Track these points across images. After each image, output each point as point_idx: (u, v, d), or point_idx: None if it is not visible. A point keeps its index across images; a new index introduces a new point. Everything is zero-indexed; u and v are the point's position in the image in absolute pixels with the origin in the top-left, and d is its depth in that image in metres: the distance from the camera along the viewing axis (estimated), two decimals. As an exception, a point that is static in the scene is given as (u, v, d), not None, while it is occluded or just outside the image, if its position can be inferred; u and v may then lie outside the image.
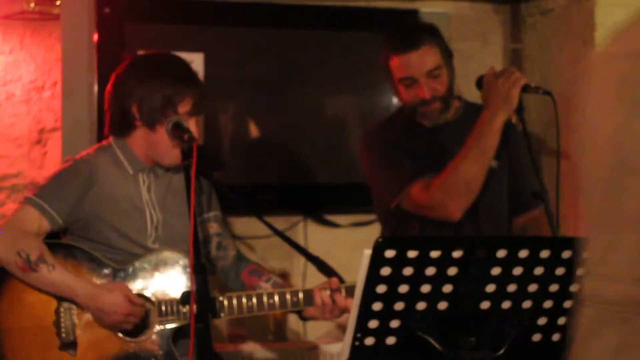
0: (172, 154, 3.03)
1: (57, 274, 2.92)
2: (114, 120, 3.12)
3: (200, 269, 2.57)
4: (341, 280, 3.05)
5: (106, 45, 4.11)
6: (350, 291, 2.94)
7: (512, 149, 3.42)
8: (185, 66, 3.13)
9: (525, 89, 3.10)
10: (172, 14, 4.30)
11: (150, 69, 3.09)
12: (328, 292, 3.00)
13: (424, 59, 3.26)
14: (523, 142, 3.23)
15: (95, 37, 4.12)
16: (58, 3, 4.20)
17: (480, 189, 3.18)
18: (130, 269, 3.01)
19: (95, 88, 4.10)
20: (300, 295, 3.00)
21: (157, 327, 2.96)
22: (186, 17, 4.32)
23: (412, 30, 3.35)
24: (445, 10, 3.99)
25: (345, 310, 2.98)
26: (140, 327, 3.00)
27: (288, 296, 2.99)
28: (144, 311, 2.97)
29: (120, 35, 4.14)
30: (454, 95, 3.42)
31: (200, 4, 4.36)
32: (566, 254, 2.28)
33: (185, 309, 2.93)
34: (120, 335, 2.98)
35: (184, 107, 3.02)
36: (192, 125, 3.02)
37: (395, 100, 4.53)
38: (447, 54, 3.35)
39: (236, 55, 4.42)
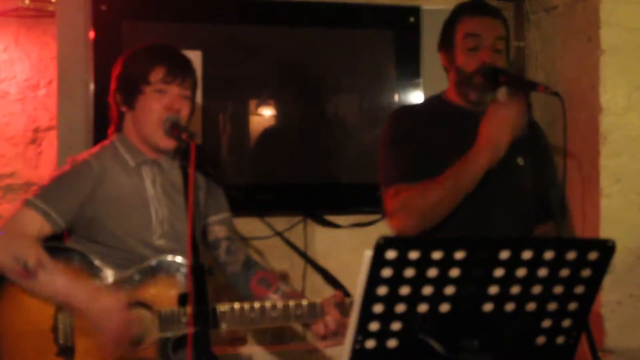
0: (158, 132, 3.04)
1: (56, 280, 2.89)
2: (112, 116, 3.18)
3: (199, 271, 2.56)
4: (346, 294, 3.04)
5: (102, 43, 4.09)
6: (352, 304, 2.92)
7: (541, 155, 3.42)
8: (158, 44, 3.18)
9: (533, 87, 3.08)
10: (169, 11, 4.28)
11: (125, 58, 3.15)
12: (334, 309, 2.99)
13: (496, 27, 3.34)
14: (549, 150, 3.19)
15: (92, 34, 4.09)
16: (53, 0, 4.18)
17: (445, 217, 3.18)
18: (131, 276, 2.99)
19: (91, 86, 4.08)
20: (304, 308, 2.99)
21: (158, 336, 2.93)
22: (184, 15, 4.30)
23: (491, 5, 3.46)
24: (447, 7, 3.96)
25: (344, 325, 2.96)
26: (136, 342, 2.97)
27: (291, 309, 2.98)
28: (140, 325, 2.93)
29: (116, 33, 4.12)
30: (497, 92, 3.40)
31: (198, 1, 4.34)
32: (571, 255, 2.24)
33: (185, 318, 2.90)
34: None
35: (155, 76, 3.05)
36: (175, 95, 3.04)
37: (396, 99, 4.52)
38: (508, 46, 3.41)
39: (235, 54, 4.39)
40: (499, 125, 3.10)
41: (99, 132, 3.88)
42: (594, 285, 2.30)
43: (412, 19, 4.49)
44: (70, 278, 2.92)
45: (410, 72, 4.53)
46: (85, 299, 2.88)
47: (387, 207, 3.27)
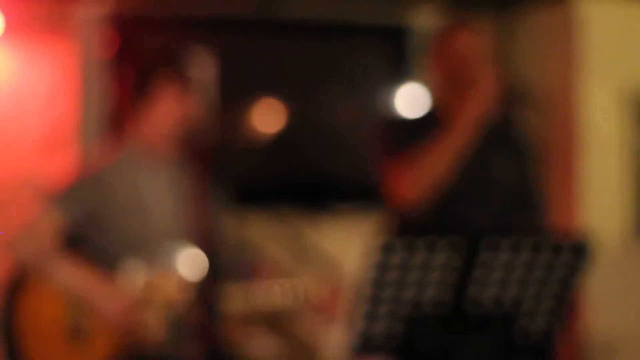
0: (170, 133, 3.13)
1: (70, 275, 3.00)
2: (128, 118, 3.26)
3: (208, 265, 2.72)
4: (341, 286, 3.08)
5: (122, 55, 4.17)
6: (349, 297, 2.95)
7: (525, 151, 3.47)
8: (172, 48, 3.26)
9: (517, 96, 3.25)
10: (184, 27, 4.38)
11: (143, 61, 3.26)
12: (326, 297, 3.07)
13: (472, 41, 3.38)
14: (531, 145, 3.25)
15: (112, 46, 4.18)
16: (74, 13, 4.24)
17: (444, 183, 3.19)
18: (140, 269, 3.07)
19: (111, 97, 4.16)
20: (301, 293, 3.07)
21: (166, 328, 3.02)
22: (198, 31, 4.38)
23: (465, 24, 3.53)
24: (438, 24, 4.08)
25: (341, 315, 3.03)
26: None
27: (289, 295, 3.06)
28: (139, 335, 3.01)
29: (135, 44, 4.19)
30: None
31: (213, 18, 4.44)
32: (547, 255, 2.36)
33: (193, 311, 2.96)
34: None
35: (171, 77, 3.13)
36: (189, 96, 3.11)
37: (391, 106, 4.68)
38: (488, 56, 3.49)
39: (244, 61, 4.49)
40: (487, 82, 3.15)
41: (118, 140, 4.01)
42: (569, 283, 2.42)
43: (404, 36, 4.65)
44: (85, 274, 3.01)
45: (402, 84, 4.68)
46: (94, 299, 2.99)
47: (387, 182, 3.28)
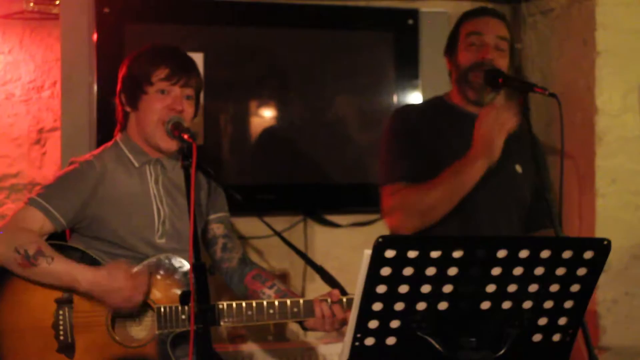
0: (160, 133, 3.05)
1: (56, 264, 2.90)
2: (118, 117, 3.20)
3: (200, 269, 2.57)
4: (343, 292, 3.03)
5: (105, 45, 4.11)
6: (351, 304, 2.93)
7: (538, 164, 3.37)
8: (162, 45, 3.19)
9: (531, 88, 3.10)
10: (171, 13, 4.31)
11: (131, 59, 3.16)
12: (328, 304, 2.99)
13: (498, 26, 3.38)
14: (543, 157, 3.23)
15: (95, 36, 4.12)
16: (57, 3, 4.21)
17: (441, 218, 3.21)
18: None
19: (95, 88, 4.10)
20: (301, 305, 2.99)
21: (156, 332, 2.95)
22: (186, 17, 4.33)
23: (493, 9, 3.53)
24: (445, 10, 3.98)
25: (344, 323, 2.97)
26: (142, 310, 3.00)
27: (288, 306, 2.98)
28: (149, 280, 2.95)
29: (119, 35, 4.15)
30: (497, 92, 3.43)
31: (200, 3, 4.36)
32: (567, 254, 2.26)
33: (184, 315, 2.92)
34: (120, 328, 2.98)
35: (158, 76, 3.06)
36: (178, 95, 3.06)
37: (395, 100, 4.55)
38: (513, 48, 3.44)
39: (236, 55, 4.41)
40: (490, 127, 3.15)
41: (102, 132, 3.91)
42: (589, 283, 2.32)
43: (410, 21, 4.51)
44: (72, 262, 2.93)
45: (409, 74, 4.54)
46: (91, 277, 2.89)
47: (384, 204, 3.29)
